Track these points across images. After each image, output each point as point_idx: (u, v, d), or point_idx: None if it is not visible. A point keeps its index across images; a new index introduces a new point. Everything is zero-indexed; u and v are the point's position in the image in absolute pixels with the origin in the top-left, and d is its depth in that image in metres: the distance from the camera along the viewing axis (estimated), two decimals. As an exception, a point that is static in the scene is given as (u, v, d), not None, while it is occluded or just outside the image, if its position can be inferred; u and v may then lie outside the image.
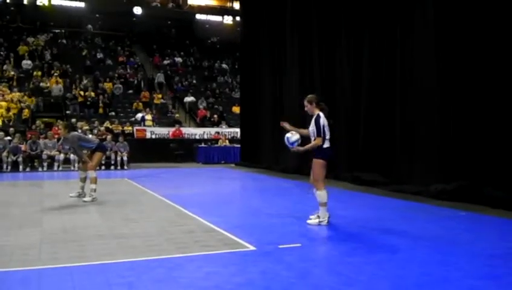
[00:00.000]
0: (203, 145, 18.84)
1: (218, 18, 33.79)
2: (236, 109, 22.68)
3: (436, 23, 8.79)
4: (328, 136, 5.82)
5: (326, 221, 5.85)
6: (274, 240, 5.02)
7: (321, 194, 5.80)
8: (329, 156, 5.86)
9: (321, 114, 5.85)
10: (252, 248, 4.72)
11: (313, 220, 5.92)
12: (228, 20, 33.71)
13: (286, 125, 6.19)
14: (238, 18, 26.99)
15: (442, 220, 6.45)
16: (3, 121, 17.77)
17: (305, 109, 6.04)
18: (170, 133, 19.54)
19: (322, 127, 5.74)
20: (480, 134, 7.85)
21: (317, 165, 5.84)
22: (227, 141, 19.47)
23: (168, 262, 4.18)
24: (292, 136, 5.94)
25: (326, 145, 5.82)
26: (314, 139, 5.79)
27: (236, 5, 30.68)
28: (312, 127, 5.83)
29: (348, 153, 11.19)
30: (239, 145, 18.03)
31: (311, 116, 5.95)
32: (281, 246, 4.76)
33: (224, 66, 29.45)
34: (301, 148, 5.93)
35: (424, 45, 9.07)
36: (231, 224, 5.90)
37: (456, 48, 8.36)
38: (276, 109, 14.65)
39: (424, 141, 9.02)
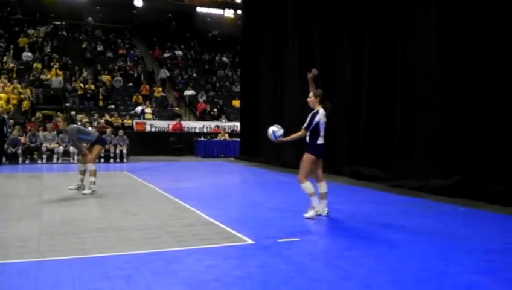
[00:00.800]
0: (202, 138, 18.81)
1: (219, 11, 33.67)
2: (236, 103, 22.65)
3: (438, 24, 8.75)
4: (322, 134, 5.84)
5: (321, 210, 5.90)
6: (273, 234, 5.02)
7: (306, 186, 5.84)
8: (322, 152, 5.91)
9: (321, 111, 5.84)
10: (250, 241, 4.73)
11: (309, 213, 5.93)
12: (229, 13, 33.60)
13: (315, 73, 6.11)
14: (239, 11, 26.88)
15: (440, 215, 6.47)
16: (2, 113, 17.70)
17: (308, 99, 6.05)
18: (170, 126, 19.52)
19: (313, 123, 5.78)
20: (480, 130, 7.86)
21: (307, 159, 5.87)
22: (226, 135, 19.44)
23: (167, 255, 4.19)
24: (278, 130, 6.01)
25: (320, 141, 5.86)
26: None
27: (238, -1, 30.61)
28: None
29: (348, 147, 11.19)
30: (238, 139, 18.01)
31: (311, 109, 5.97)
32: (279, 240, 4.77)
33: (224, 59, 29.37)
34: (284, 139, 6.04)
35: (426, 44, 9.04)
36: (230, 218, 5.91)
37: (457, 46, 8.34)
38: (276, 103, 14.61)
39: (424, 136, 9.02)
